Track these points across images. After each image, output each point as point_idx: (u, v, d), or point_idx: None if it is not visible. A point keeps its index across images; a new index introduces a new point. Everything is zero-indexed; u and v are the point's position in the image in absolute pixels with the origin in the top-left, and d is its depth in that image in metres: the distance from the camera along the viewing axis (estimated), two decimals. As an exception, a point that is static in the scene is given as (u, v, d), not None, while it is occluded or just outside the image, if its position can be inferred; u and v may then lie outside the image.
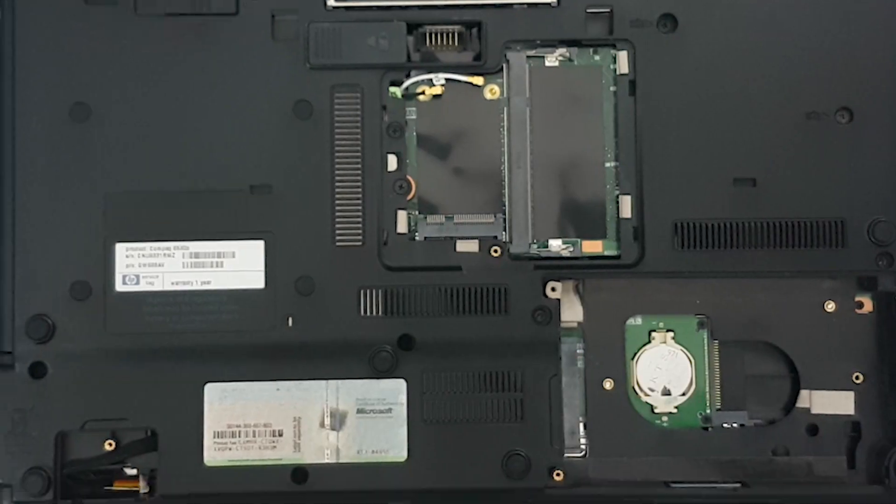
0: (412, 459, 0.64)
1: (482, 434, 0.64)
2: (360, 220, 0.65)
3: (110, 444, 0.65)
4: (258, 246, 0.65)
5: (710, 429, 0.66)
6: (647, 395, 0.65)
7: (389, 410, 0.65)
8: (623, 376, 0.65)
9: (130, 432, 0.65)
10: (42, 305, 0.65)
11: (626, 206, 0.66)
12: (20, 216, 0.65)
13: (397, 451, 0.64)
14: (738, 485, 0.65)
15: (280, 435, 0.64)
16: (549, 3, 0.66)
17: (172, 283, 0.65)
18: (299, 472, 0.64)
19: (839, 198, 0.65)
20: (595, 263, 0.66)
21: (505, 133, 0.66)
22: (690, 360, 0.65)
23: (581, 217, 0.66)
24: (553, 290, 0.65)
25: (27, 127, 0.65)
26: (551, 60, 0.67)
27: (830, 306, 0.66)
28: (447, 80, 0.66)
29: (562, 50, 0.67)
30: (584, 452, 0.65)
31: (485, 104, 0.66)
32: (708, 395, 0.66)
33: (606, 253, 0.66)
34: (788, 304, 0.66)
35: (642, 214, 0.65)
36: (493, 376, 0.64)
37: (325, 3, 0.66)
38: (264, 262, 0.65)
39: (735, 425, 0.66)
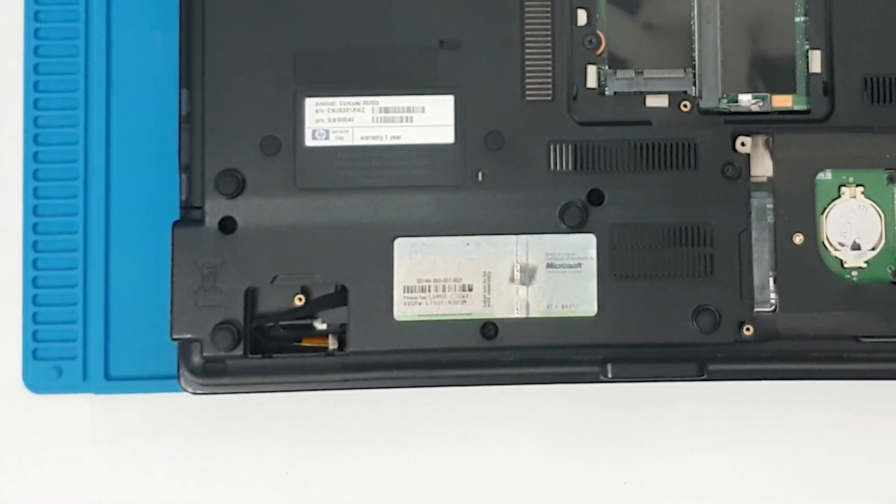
0: (602, 314, 0.64)
1: (672, 289, 0.64)
2: (549, 74, 0.65)
3: (300, 299, 0.65)
4: (448, 101, 0.65)
5: (900, 284, 0.65)
6: (836, 249, 0.65)
7: (579, 265, 0.65)
8: (813, 231, 0.65)
9: (320, 287, 0.65)
10: (232, 160, 0.64)
11: (816, 61, 0.65)
12: (211, 72, 0.65)
13: (587, 305, 0.64)
14: (928, 339, 0.64)
15: (470, 290, 0.64)
16: None
17: (362, 138, 0.65)
18: (489, 327, 0.64)
19: None
20: (785, 118, 0.66)
21: (694, -13, 0.66)
22: (880, 215, 0.65)
23: (771, 71, 0.66)
24: (742, 144, 0.65)
25: (217, -17, 0.65)
26: (741, -86, 0.66)
27: None
28: (639, -66, 0.66)
29: None
30: (773, 307, 0.65)
31: (674, -41, 0.66)
32: (899, 250, 0.66)
33: (796, 107, 0.66)
34: None
35: (832, 69, 0.65)
36: (682, 231, 0.64)
37: None
38: (454, 116, 0.65)
39: (926, 280, 0.65)
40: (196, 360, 0.64)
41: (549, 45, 0.65)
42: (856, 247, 0.65)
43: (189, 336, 0.64)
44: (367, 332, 0.64)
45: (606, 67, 0.66)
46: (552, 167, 0.65)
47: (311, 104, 0.65)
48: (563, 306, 0.64)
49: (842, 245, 0.65)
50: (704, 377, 0.64)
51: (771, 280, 0.65)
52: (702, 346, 0.64)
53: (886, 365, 0.65)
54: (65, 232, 0.67)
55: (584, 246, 0.65)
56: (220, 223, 0.64)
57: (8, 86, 0.69)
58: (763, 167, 0.65)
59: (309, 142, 0.64)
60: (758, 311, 0.65)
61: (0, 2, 0.69)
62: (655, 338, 0.64)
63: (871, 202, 0.65)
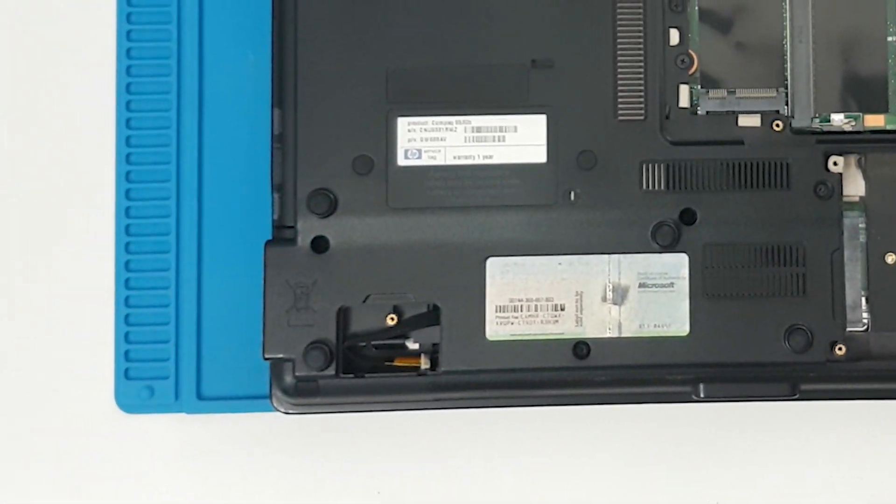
0: (694, 333, 0.64)
1: (764, 308, 0.64)
2: (641, 94, 0.65)
3: (392, 319, 0.65)
4: (540, 120, 0.65)
5: None
6: (929, 269, 0.65)
7: (671, 284, 0.64)
8: (905, 250, 0.65)
9: (413, 307, 0.65)
10: (324, 180, 0.64)
11: (907, 83, 0.65)
12: (303, 92, 0.65)
13: (679, 325, 0.64)
14: None
15: (562, 309, 0.64)
16: None
17: (454, 158, 0.65)
18: (582, 347, 0.64)
19: None
20: (878, 137, 0.66)
21: (787, 7, 0.66)
22: (975, 236, 0.65)
23: (863, 91, 0.66)
24: (835, 164, 0.65)
25: (310, 1, 0.65)
26: (833, -65, 0.66)
27: None
28: (728, -46, 0.66)
29: (840, -76, 0.66)
30: (866, 327, 0.65)
31: (767, -22, 0.66)
32: None
33: (889, 127, 0.66)
34: None
35: (923, 91, 0.65)
36: (774, 250, 0.64)
37: None
38: (546, 136, 0.65)
39: None
40: (288, 379, 0.64)
41: (642, 64, 0.65)
42: (949, 266, 0.65)
43: (281, 356, 0.64)
44: (460, 351, 0.64)
45: (699, 87, 0.65)
46: (644, 187, 0.65)
47: (403, 123, 0.65)
48: (655, 326, 0.64)
49: (935, 264, 0.65)
50: (797, 397, 0.64)
51: (863, 299, 0.65)
52: (794, 366, 0.64)
53: (979, 384, 0.64)
54: (157, 251, 0.67)
55: (677, 265, 0.64)
56: (312, 242, 0.64)
57: (102, 105, 0.69)
58: (855, 187, 0.65)
59: (401, 161, 0.65)
60: (850, 331, 0.65)
61: (92, 21, 0.69)
62: (748, 357, 0.64)
63: (966, 223, 0.65)
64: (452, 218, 0.64)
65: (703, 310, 0.64)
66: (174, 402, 0.67)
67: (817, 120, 0.65)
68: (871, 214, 0.65)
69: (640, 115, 0.65)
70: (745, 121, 0.65)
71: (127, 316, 0.67)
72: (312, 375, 0.64)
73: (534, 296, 0.64)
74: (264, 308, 0.64)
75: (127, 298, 0.67)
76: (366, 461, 0.68)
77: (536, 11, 0.65)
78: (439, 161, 0.65)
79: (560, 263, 0.64)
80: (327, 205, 0.64)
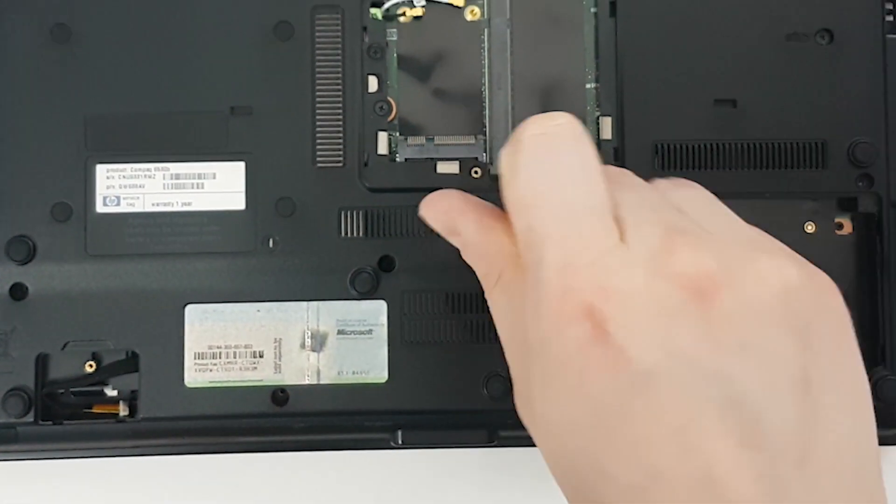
0: (393, 380, 0.64)
1: (463, 355, 0.65)
2: (340, 141, 0.65)
3: (91, 366, 0.65)
4: (239, 167, 0.65)
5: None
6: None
7: (370, 331, 0.65)
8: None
9: (111, 353, 0.65)
10: (22, 226, 0.65)
11: (607, 127, 0.66)
12: (1, 138, 0.64)
13: (378, 371, 0.64)
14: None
15: (261, 356, 0.64)
16: (529, -76, 0.65)
17: (153, 205, 0.65)
18: (280, 393, 0.64)
19: (819, 119, 0.65)
20: (577, 185, 0.65)
21: (486, 54, 0.66)
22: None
23: (562, 138, 0.65)
24: (534, 211, 0.65)
25: (7, 48, 0.65)
26: (532, -19, 0.66)
27: (810, 227, 0.66)
28: (428, 1, 0.66)
29: (543, -29, 0.66)
30: (564, 373, 0.65)
31: (466, 25, 0.66)
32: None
33: (589, 174, 0.65)
34: (769, 225, 0.64)
35: (623, 135, 0.65)
36: (472, 298, 0.64)
37: (305, -77, 0.65)
38: (245, 183, 0.65)
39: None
40: (-14, 426, 0.64)
41: (340, 111, 0.65)
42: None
43: (-21, 403, 0.64)
44: (158, 398, 0.64)
45: (397, 134, 0.66)
46: (343, 234, 0.65)
47: (101, 170, 0.65)
48: (353, 373, 0.64)
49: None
50: (495, 443, 0.64)
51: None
52: (493, 413, 0.64)
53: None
54: None
55: (376, 312, 0.65)
56: (10, 290, 0.64)
57: None
58: (553, 233, 0.65)
59: (100, 208, 0.65)
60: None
61: None
62: (446, 404, 0.64)
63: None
64: (151, 265, 0.64)
65: (401, 357, 0.64)
66: None
67: (516, 167, 0.65)
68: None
69: (339, 161, 0.65)
70: (444, 168, 0.65)
71: None
72: (11, 423, 0.64)
73: (232, 343, 0.64)
74: (-38, 355, 0.64)
75: None
76: (67, 508, 0.68)
77: (235, 58, 0.65)
78: (138, 208, 0.65)
79: (259, 310, 0.64)
80: (26, 252, 0.64)
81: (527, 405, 0.47)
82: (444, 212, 0.52)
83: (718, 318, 0.42)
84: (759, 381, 0.41)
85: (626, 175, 0.50)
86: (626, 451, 0.42)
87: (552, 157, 0.47)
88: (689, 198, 0.49)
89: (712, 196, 0.50)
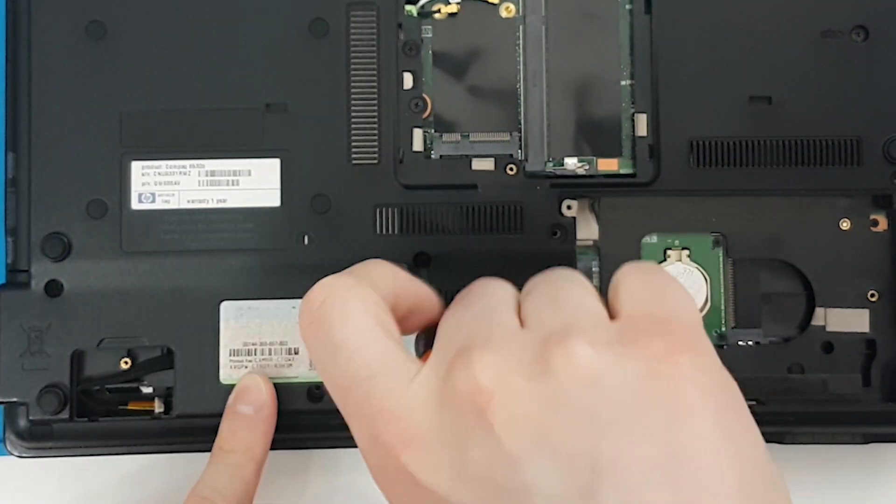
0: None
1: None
2: (375, 138, 0.65)
3: (126, 363, 0.65)
4: (274, 164, 0.65)
5: (725, 346, 0.65)
6: (663, 312, 0.65)
7: (405, 328, 0.64)
8: (639, 293, 0.65)
9: (146, 350, 0.65)
10: (58, 223, 0.64)
11: (642, 125, 0.66)
12: (37, 136, 0.65)
13: (413, 368, 0.64)
14: (753, 402, 0.64)
15: (296, 353, 0.64)
16: (563, -79, 0.65)
17: (188, 202, 0.65)
18: (316, 390, 0.64)
19: (855, 116, 0.65)
20: (611, 181, 0.66)
21: (521, 51, 0.66)
22: (706, 279, 0.65)
23: (596, 135, 0.66)
24: (569, 207, 0.65)
25: (42, 45, 0.65)
26: (567, -22, 0.66)
27: (845, 224, 0.66)
28: (463, -3, 0.66)
29: (578, -33, 0.66)
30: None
31: (501, 22, 0.66)
32: (723, 313, 0.66)
33: (622, 171, 0.66)
34: (803, 223, 0.66)
35: (658, 132, 0.65)
36: (508, 294, 0.64)
37: (341, -80, 0.65)
38: (280, 180, 0.65)
39: (750, 343, 0.66)
40: (22, 423, 0.64)
41: (376, 108, 0.65)
42: (681, 310, 0.65)
43: (15, 399, 0.64)
44: (193, 395, 0.64)
45: (433, 131, 0.66)
46: (379, 230, 0.65)
47: (137, 167, 0.65)
48: (389, 369, 0.64)
49: (668, 308, 0.65)
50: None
51: (597, 343, 0.64)
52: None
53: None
54: None
55: (412, 309, 0.64)
56: (46, 286, 0.64)
57: None
58: (589, 230, 0.65)
59: (135, 205, 0.65)
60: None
61: None
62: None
63: (696, 266, 0.66)
64: (187, 262, 0.64)
65: (436, 353, 0.64)
66: None
67: (551, 164, 0.66)
68: (605, 258, 0.65)
69: (374, 159, 0.65)
70: (479, 164, 0.65)
71: None
72: (46, 419, 0.64)
73: (268, 339, 0.64)
74: (-2, 352, 0.64)
75: None
76: (100, 504, 0.68)
77: (271, 55, 0.65)
78: (173, 205, 0.65)
79: (294, 307, 0.64)
80: (61, 248, 0.64)
81: None
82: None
83: (502, 429, 0.43)
84: (557, 479, 0.41)
85: (459, 297, 0.52)
86: None
87: (328, 336, 0.49)
88: (536, 285, 0.50)
89: (566, 276, 0.51)
